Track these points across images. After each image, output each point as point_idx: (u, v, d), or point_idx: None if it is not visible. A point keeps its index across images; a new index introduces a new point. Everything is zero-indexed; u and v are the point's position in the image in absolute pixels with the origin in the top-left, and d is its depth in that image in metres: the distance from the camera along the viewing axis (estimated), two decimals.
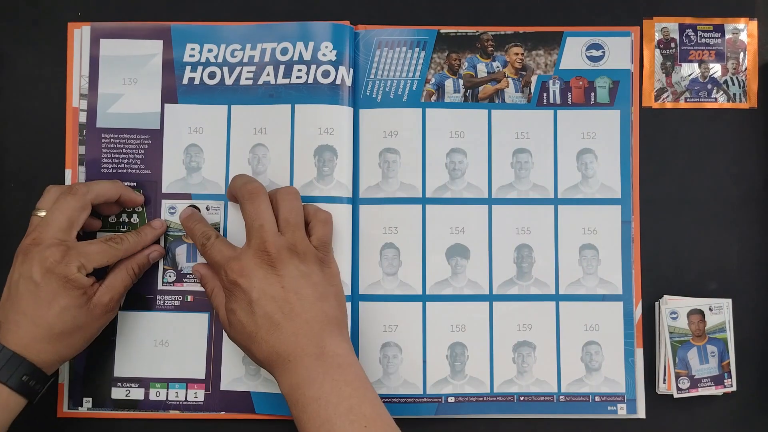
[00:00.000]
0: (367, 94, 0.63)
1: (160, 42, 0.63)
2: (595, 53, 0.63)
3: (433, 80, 0.63)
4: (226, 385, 0.61)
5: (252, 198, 0.55)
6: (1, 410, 0.50)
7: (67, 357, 0.54)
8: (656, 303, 0.62)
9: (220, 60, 0.62)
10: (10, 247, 0.62)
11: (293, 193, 0.56)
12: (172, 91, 0.62)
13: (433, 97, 0.63)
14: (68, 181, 0.62)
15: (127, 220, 0.61)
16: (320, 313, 0.52)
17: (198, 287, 0.61)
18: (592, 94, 0.63)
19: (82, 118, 0.62)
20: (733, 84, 0.64)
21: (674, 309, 0.61)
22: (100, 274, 0.56)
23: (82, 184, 0.56)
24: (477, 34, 0.64)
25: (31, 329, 0.51)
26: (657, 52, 0.64)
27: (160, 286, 0.61)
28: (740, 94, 0.64)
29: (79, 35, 0.63)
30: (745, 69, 0.64)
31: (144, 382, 0.61)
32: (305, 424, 0.49)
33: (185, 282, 0.61)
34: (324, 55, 0.61)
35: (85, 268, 0.53)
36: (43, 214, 0.55)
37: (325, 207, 0.60)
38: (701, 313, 0.61)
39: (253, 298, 0.51)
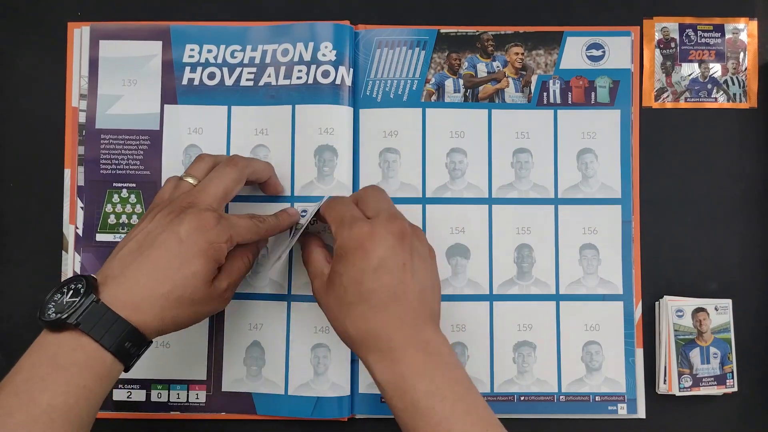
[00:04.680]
0: (367, 94, 0.63)
1: (159, 43, 0.63)
2: (595, 53, 0.63)
3: (433, 80, 0.63)
4: (227, 386, 0.61)
5: (375, 187, 0.56)
6: (105, 378, 0.46)
7: (165, 329, 0.49)
8: (657, 303, 0.62)
9: (219, 61, 0.62)
10: (10, 247, 0.62)
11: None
12: (172, 92, 0.62)
13: (433, 97, 0.63)
14: (67, 181, 0.62)
15: (127, 221, 0.61)
16: (428, 304, 0.51)
17: None
18: (593, 93, 0.63)
19: (82, 118, 0.62)
20: (733, 84, 0.64)
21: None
22: None
23: (241, 157, 0.56)
24: (477, 33, 0.64)
25: (149, 287, 0.47)
26: (657, 51, 0.64)
27: None
28: (740, 94, 0.64)
29: (79, 35, 0.63)
30: (745, 69, 0.64)
31: (145, 384, 0.61)
32: (416, 420, 0.46)
33: None
34: (324, 55, 0.61)
35: (231, 242, 0.51)
36: (192, 180, 0.53)
37: None
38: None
39: (372, 266, 0.49)
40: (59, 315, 0.45)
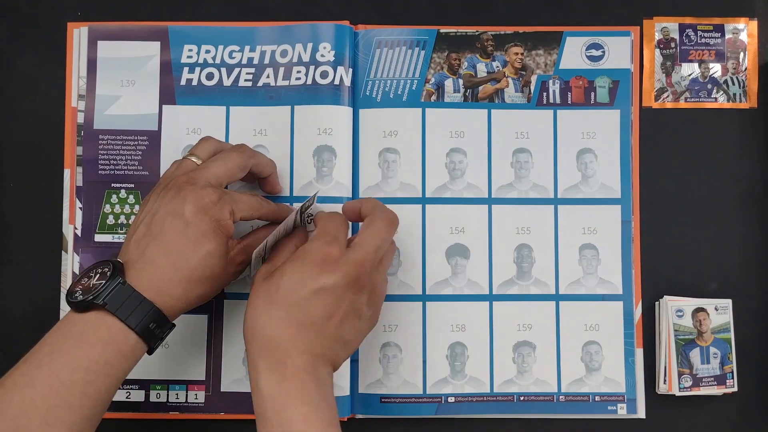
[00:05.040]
0: (367, 93, 0.63)
1: (158, 43, 0.63)
2: (594, 53, 0.63)
3: (432, 80, 0.63)
4: (226, 386, 0.61)
5: (390, 222, 0.52)
6: (128, 357, 0.47)
7: (189, 307, 0.50)
8: (656, 303, 0.62)
9: (218, 61, 0.62)
10: (10, 247, 0.63)
11: (395, 246, 0.55)
12: (170, 93, 0.62)
13: (433, 97, 0.63)
14: (66, 181, 0.62)
15: (126, 222, 0.61)
16: (336, 353, 0.50)
17: None
18: (592, 93, 0.63)
19: (80, 118, 0.62)
20: (733, 84, 0.64)
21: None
22: None
23: (248, 147, 0.56)
24: (477, 33, 0.63)
25: (169, 272, 0.48)
26: (657, 51, 0.64)
27: None
28: (740, 94, 0.64)
29: (78, 35, 0.63)
30: (745, 69, 0.64)
31: (144, 384, 0.61)
32: None
33: None
34: (322, 56, 0.61)
35: (233, 216, 0.51)
36: (195, 159, 0.54)
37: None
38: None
39: (313, 287, 0.47)
40: (86, 296, 0.46)
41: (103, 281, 0.47)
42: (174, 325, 0.50)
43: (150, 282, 0.48)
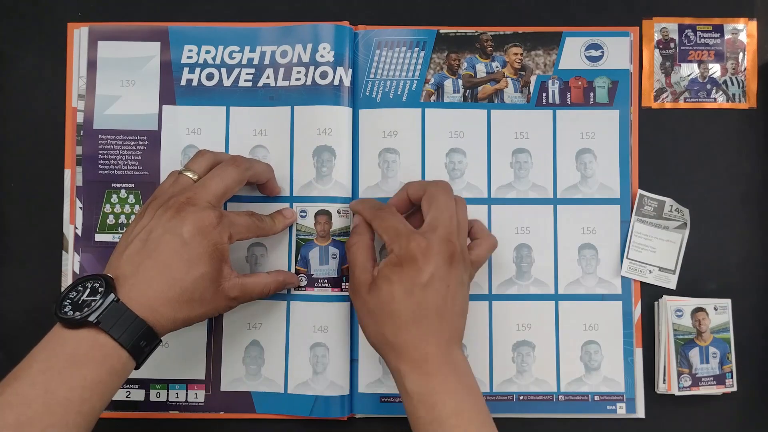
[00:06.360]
0: (367, 94, 0.63)
1: (158, 44, 0.63)
2: (594, 53, 0.63)
3: (432, 80, 0.63)
4: (226, 385, 0.61)
5: (446, 189, 0.55)
6: (120, 374, 0.47)
7: (175, 328, 0.50)
8: (656, 303, 0.62)
9: (218, 61, 0.63)
10: (10, 247, 0.63)
11: (463, 200, 0.57)
12: (170, 93, 0.62)
13: (433, 97, 0.63)
14: (67, 181, 0.62)
15: (126, 222, 0.61)
16: (460, 327, 0.53)
17: None
18: (591, 94, 0.63)
19: (80, 118, 0.62)
20: (733, 84, 0.64)
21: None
22: None
23: (243, 158, 0.56)
24: (476, 34, 0.64)
25: (161, 290, 0.48)
26: (656, 52, 0.64)
27: None
28: (739, 94, 0.64)
29: (78, 36, 0.63)
30: (745, 69, 0.64)
31: (144, 384, 0.61)
32: None
33: None
34: (322, 56, 0.62)
35: (231, 240, 0.52)
36: (191, 175, 0.54)
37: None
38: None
39: (423, 281, 0.50)
40: (78, 313, 0.46)
41: (95, 297, 0.46)
42: (161, 341, 0.50)
43: (142, 299, 0.48)
